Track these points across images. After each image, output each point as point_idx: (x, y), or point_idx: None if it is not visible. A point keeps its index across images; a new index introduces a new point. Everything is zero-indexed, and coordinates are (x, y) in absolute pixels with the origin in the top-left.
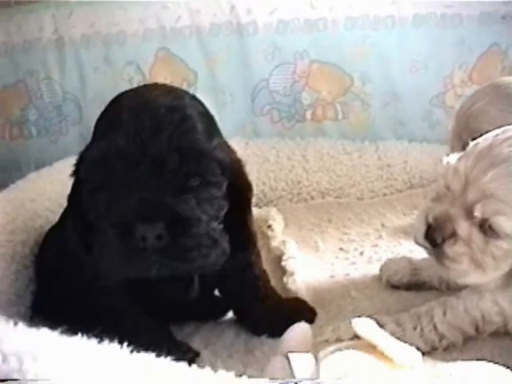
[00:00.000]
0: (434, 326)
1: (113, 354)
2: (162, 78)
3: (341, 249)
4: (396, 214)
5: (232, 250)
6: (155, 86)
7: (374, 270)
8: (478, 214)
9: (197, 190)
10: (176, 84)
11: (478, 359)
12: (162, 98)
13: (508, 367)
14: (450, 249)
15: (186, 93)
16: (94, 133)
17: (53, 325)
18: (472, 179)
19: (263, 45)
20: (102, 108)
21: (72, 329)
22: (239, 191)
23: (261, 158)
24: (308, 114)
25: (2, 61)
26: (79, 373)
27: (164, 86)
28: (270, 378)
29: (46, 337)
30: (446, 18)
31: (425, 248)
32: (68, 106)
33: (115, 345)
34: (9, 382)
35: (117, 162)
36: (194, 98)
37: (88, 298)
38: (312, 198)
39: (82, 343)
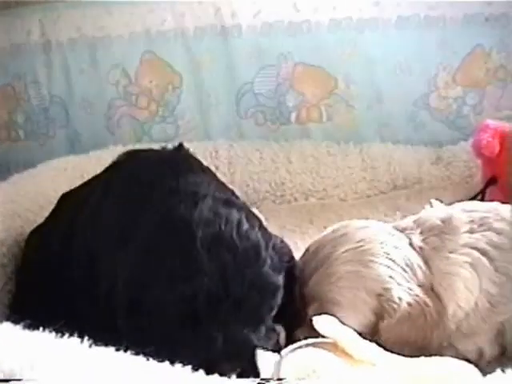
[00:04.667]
0: None
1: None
2: (148, 80)
3: None
4: (378, 216)
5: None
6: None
7: None
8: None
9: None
10: (161, 87)
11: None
12: (229, 227)
13: (477, 365)
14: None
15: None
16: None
17: (30, 325)
18: (303, 283)
19: (247, 47)
20: (89, 111)
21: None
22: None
23: (244, 160)
24: (293, 117)
25: None
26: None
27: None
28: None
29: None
30: (429, 20)
31: None
32: (55, 109)
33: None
34: (12, 382)
35: (201, 304)
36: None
37: (71, 300)
38: (295, 199)
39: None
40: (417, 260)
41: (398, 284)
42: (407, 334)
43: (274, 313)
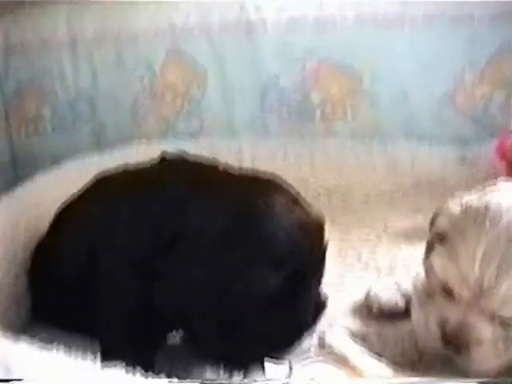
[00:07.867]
0: (415, 343)
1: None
2: (173, 76)
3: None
4: (399, 216)
5: None
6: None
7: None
8: (501, 316)
9: None
10: (186, 82)
11: None
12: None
13: None
14: (477, 354)
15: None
16: None
17: (51, 330)
18: (487, 288)
19: (272, 43)
20: (114, 106)
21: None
22: None
23: (268, 157)
24: (317, 113)
25: (18, 59)
26: None
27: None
28: None
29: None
30: (456, 18)
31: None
32: (81, 103)
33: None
34: (12, 382)
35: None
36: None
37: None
38: (319, 195)
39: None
40: None
41: None
42: None
43: None
